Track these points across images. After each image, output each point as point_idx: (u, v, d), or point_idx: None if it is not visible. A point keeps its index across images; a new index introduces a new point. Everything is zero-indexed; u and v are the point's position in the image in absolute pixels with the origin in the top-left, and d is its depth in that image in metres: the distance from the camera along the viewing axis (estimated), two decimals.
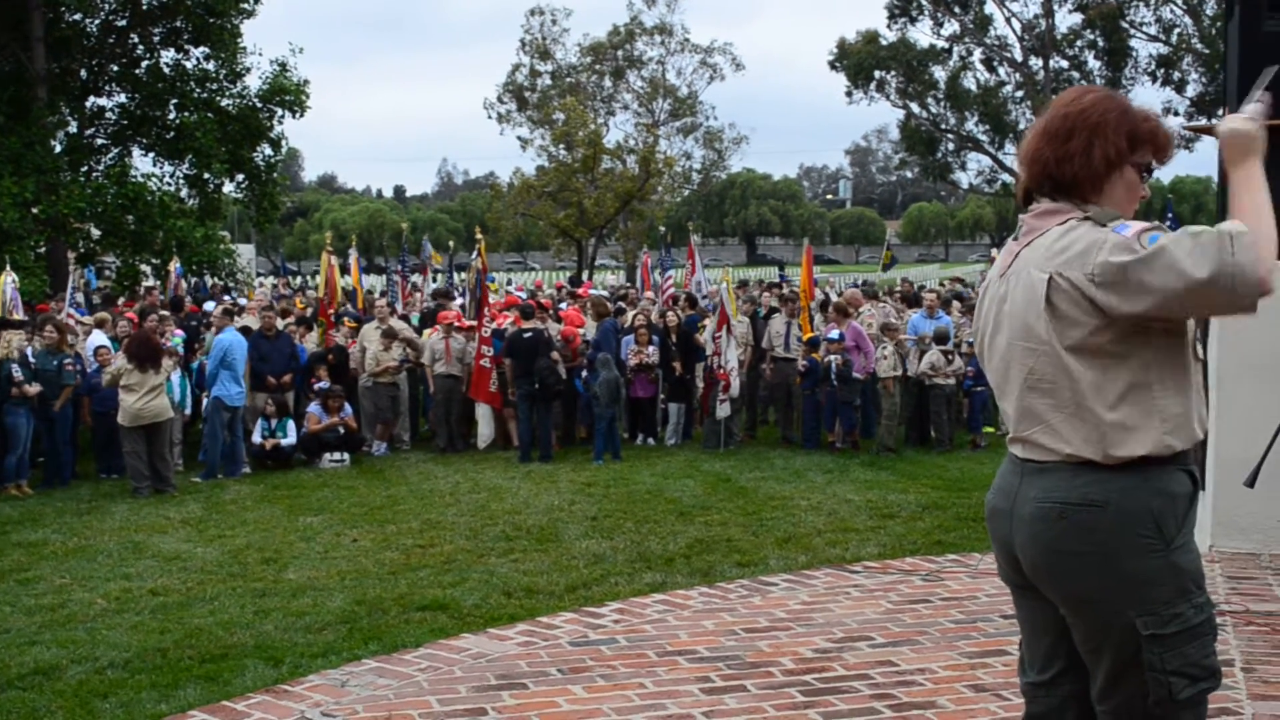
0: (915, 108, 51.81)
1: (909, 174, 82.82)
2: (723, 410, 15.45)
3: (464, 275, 21.56)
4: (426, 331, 17.32)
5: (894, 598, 7.47)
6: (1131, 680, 3.10)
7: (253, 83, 29.96)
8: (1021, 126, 51.31)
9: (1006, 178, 53.55)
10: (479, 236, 18.27)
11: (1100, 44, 49.34)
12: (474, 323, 16.47)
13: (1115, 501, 3.06)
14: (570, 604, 7.75)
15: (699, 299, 20.28)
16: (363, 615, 7.76)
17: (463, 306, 19.04)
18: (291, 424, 15.22)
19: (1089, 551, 3.07)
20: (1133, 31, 49.28)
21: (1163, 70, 49.37)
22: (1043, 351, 3.12)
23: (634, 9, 59.19)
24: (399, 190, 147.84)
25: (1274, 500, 7.22)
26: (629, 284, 34.86)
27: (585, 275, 42.41)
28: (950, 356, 16.01)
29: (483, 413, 16.20)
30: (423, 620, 7.56)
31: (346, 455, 15.14)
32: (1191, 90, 48.77)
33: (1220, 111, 8.92)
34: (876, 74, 50.84)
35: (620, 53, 58.73)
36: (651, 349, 16.28)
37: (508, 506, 11.85)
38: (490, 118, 58.61)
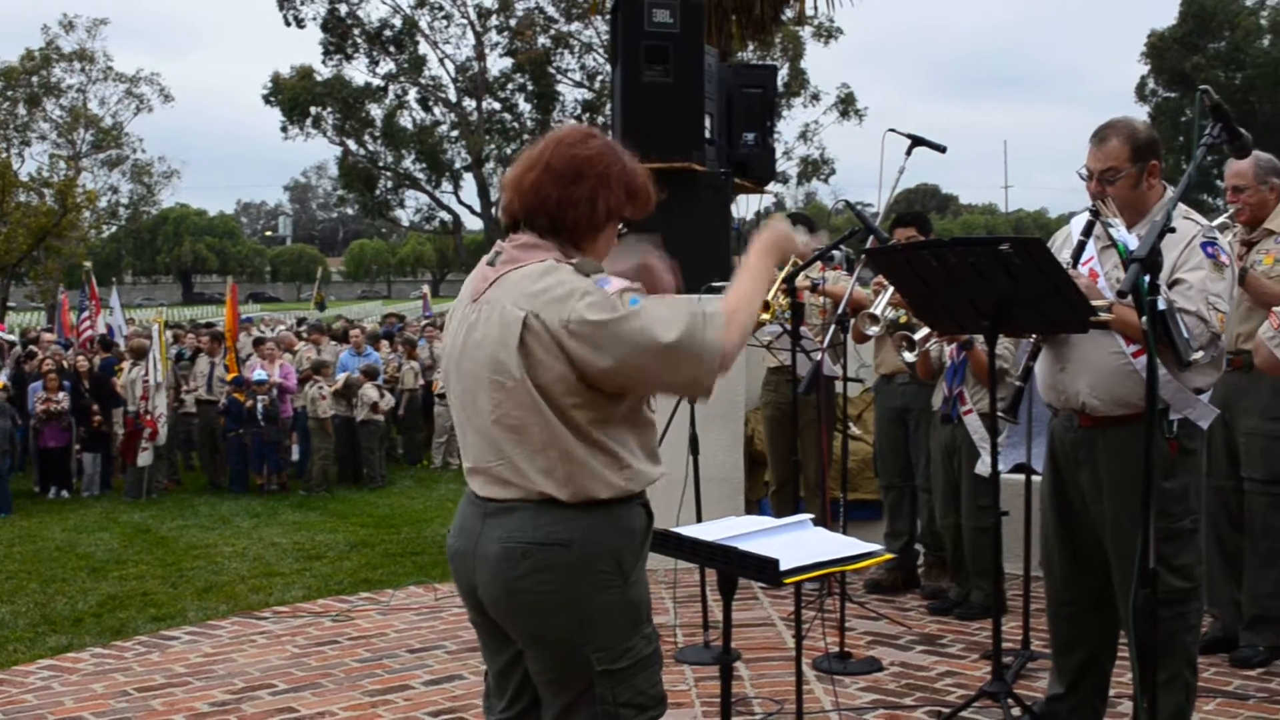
0: (353, 145, 51.85)
1: (350, 211, 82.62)
2: (145, 458, 14.71)
3: None
4: None
5: (301, 641, 7.35)
6: (583, 712, 3.14)
7: None
8: (458, 165, 52.70)
9: (445, 215, 54.68)
10: None
11: (530, 87, 51.46)
12: None
13: (579, 540, 3.07)
14: None
15: (113, 342, 19.24)
16: None
17: None
18: None
19: (550, 589, 3.08)
20: (559, 77, 51.77)
21: (588, 114, 52.22)
22: (512, 387, 3.06)
23: (50, 33, 55.70)
24: None
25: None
26: (50, 325, 32.58)
27: None
28: (383, 393, 16.08)
29: None
30: None
31: None
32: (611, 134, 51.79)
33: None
34: (313, 110, 50.41)
35: (35, 79, 54.95)
36: (62, 395, 15.27)
37: None
38: None
